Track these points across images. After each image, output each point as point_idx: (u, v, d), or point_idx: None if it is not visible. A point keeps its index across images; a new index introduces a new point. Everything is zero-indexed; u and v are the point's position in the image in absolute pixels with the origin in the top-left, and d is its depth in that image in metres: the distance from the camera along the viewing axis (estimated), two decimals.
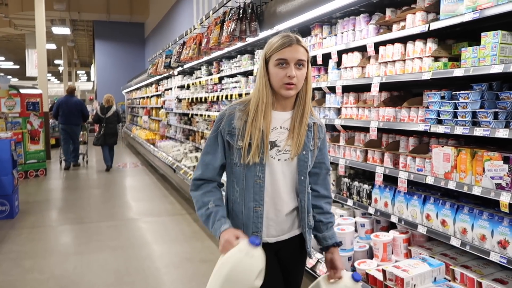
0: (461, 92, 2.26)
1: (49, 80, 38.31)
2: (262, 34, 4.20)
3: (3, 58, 31.02)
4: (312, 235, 1.98)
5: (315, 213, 1.96)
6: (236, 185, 1.83)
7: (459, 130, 2.24)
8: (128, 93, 18.36)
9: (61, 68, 28.81)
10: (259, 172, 1.77)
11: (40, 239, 5.04)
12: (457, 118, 2.28)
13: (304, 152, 1.81)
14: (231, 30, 4.19)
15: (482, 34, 2.15)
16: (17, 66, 34.10)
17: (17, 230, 5.37)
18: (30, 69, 19.98)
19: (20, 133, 8.74)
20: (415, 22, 2.57)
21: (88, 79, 41.31)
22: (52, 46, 21.67)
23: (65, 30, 18.01)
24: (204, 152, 1.88)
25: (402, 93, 3.08)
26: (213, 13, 5.36)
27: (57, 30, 17.75)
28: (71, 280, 3.85)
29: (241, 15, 4.21)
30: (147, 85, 13.08)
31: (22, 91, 9.02)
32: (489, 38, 2.11)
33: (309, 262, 2.06)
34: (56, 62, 29.99)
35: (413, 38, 2.64)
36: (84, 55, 32.51)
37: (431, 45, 2.54)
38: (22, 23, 18.50)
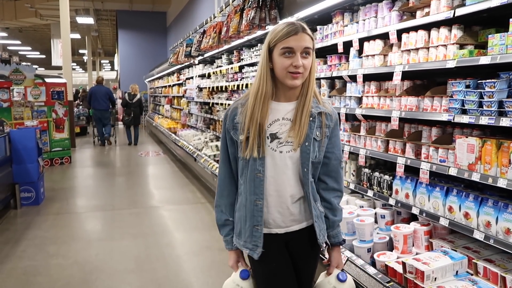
0: (487, 80, 2.18)
1: (74, 69, 39.00)
2: (282, 22, 4.13)
3: (29, 48, 31.67)
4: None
5: (323, 206, 1.92)
6: (240, 178, 1.85)
7: (484, 120, 2.16)
8: (150, 82, 18.52)
9: (85, 58, 29.24)
10: (259, 166, 1.76)
11: (64, 225, 5.16)
12: (482, 107, 2.20)
13: (306, 144, 1.77)
14: (251, 18, 4.15)
15: (511, 20, 2.05)
16: (43, 56, 34.80)
17: (42, 216, 5.51)
18: (56, 58, 20.32)
19: (45, 121, 8.94)
20: (439, 8, 2.48)
21: (112, 69, 41.84)
22: (77, 36, 21.96)
23: (89, 20, 18.20)
24: (220, 162, 1.95)
25: (425, 82, 3.00)
26: (233, 1, 5.32)
27: (81, 20, 17.96)
28: (94, 265, 3.94)
29: (260, 3, 4.16)
30: (168, 74, 13.15)
31: (47, 80, 9.19)
32: None
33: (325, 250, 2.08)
34: (80, 51, 30.45)
35: (437, 25, 2.56)
36: (107, 44, 32.91)
37: (456, 32, 2.45)
38: (47, 13, 18.81)
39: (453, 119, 2.35)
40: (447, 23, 2.49)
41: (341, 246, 2.01)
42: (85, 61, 31.36)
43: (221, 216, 1.93)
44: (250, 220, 1.81)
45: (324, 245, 1.94)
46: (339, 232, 1.96)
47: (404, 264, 2.33)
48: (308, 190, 1.81)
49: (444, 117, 2.42)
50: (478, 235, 2.24)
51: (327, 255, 2.01)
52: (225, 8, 5.72)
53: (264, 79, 1.74)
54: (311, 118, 1.78)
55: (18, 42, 27.84)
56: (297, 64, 1.67)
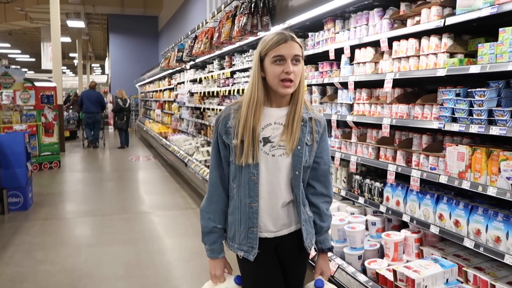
0: (477, 89, 2.20)
1: (64, 73, 38.74)
2: (273, 29, 4.15)
3: (19, 51, 31.39)
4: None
5: (311, 211, 1.94)
6: (232, 182, 1.86)
7: (474, 129, 2.18)
8: (141, 86, 18.44)
9: (76, 61, 29.07)
10: (253, 169, 1.78)
11: (53, 231, 5.09)
12: (472, 116, 2.21)
13: (299, 147, 1.81)
14: (243, 24, 4.15)
15: (500, 29, 2.08)
16: (33, 59, 34.50)
17: (30, 221, 5.43)
18: (46, 62, 20.16)
19: (34, 125, 8.84)
20: (430, 17, 2.51)
21: (103, 72, 41.62)
22: (67, 39, 21.86)
23: (80, 24, 18.11)
24: (211, 166, 1.92)
25: (416, 89, 3.01)
26: (225, 7, 5.32)
27: (72, 23, 17.86)
28: (83, 272, 3.89)
29: (252, 10, 4.17)
30: (160, 79, 13.11)
31: (37, 84, 9.11)
32: (507, 34, 2.04)
33: (311, 254, 2.09)
34: (71, 55, 30.27)
35: (428, 33, 2.58)
36: (98, 48, 32.74)
37: (447, 41, 2.47)
38: (37, 16, 18.65)
39: (444, 127, 2.37)
40: (438, 31, 2.51)
41: (330, 253, 2.02)
42: (75, 64, 31.19)
43: (208, 223, 1.90)
44: (245, 223, 1.82)
45: (313, 250, 1.95)
46: (327, 239, 1.97)
47: (395, 272, 2.33)
48: (298, 193, 1.84)
49: (435, 125, 2.44)
50: (468, 243, 2.25)
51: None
52: (217, 14, 5.72)
53: (256, 88, 1.78)
54: (302, 123, 1.82)
55: (8, 45, 27.59)
56: (288, 70, 1.71)
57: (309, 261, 2.09)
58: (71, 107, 17.13)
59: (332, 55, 3.43)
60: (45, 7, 14.21)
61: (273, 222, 1.84)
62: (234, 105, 1.86)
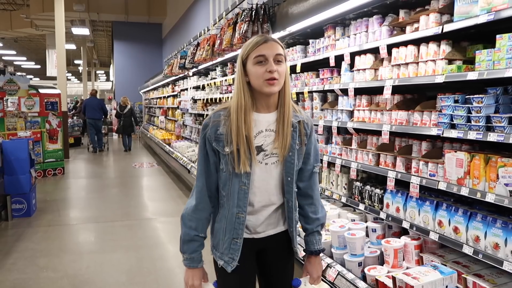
0: (475, 96, 2.20)
1: (69, 79, 38.97)
2: (274, 36, 4.17)
3: (24, 58, 31.65)
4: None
5: (298, 212, 1.98)
6: (222, 190, 1.83)
7: (472, 135, 2.18)
8: (145, 93, 18.53)
9: (80, 68, 29.25)
10: (245, 178, 1.76)
11: (56, 237, 5.11)
12: (470, 122, 2.22)
13: (290, 154, 1.80)
14: (243, 31, 4.18)
15: (497, 36, 2.08)
16: (38, 66, 34.77)
17: (34, 228, 5.46)
18: (50, 69, 20.31)
19: (39, 132, 8.90)
20: (428, 24, 2.52)
21: (107, 79, 41.84)
22: (72, 46, 21.98)
23: (85, 31, 18.24)
24: (197, 173, 1.88)
25: (415, 96, 3.02)
26: (226, 15, 5.36)
27: (77, 30, 17.99)
28: (84, 278, 3.90)
29: (253, 17, 4.20)
30: (163, 86, 13.17)
31: (41, 91, 9.18)
32: (504, 41, 2.04)
33: (301, 253, 2.11)
34: (76, 62, 30.46)
35: (426, 40, 2.59)
36: (103, 55, 32.97)
37: (445, 48, 2.48)
38: (43, 23, 18.83)
39: (442, 134, 2.37)
40: (436, 38, 2.52)
41: (330, 260, 2.02)
42: (80, 71, 31.38)
43: (190, 231, 1.85)
44: (229, 233, 1.81)
45: (301, 253, 1.96)
46: (312, 241, 1.98)
47: (394, 278, 2.32)
48: (291, 198, 1.85)
49: (434, 131, 2.44)
50: (467, 250, 2.24)
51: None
52: (219, 21, 5.76)
53: (241, 92, 1.76)
54: (292, 128, 1.81)
55: (13, 52, 27.83)
56: (271, 69, 1.70)
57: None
58: (77, 114, 17.26)
59: (332, 62, 3.44)
60: (50, 14, 14.35)
61: (262, 226, 1.86)
62: (223, 111, 1.81)
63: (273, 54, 1.72)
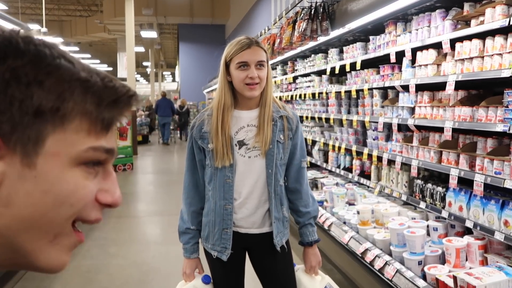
0: None
1: (137, 80, 40.88)
2: (333, 33, 4.17)
3: (98, 61, 33.72)
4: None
5: (290, 207, 2.03)
6: (208, 185, 1.93)
7: None
8: (208, 92, 19.05)
9: (148, 70, 30.63)
10: (228, 172, 1.86)
11: (125, 228, 5.46)
12: None
13: (271, 147, 1.87)
14: (302, 29, 4.22)
15: None
16: (110, 68, 36.86)
17: (105, 219, 5.84)
18: (121, 70, 21.41)
19: None
20: (494, 17, 2.42)
21: (173, 80, 43.44)
22: (141, 49, 23.08)
23: (152, 34, 19.07)
24: (185, 170, 2.04)
25: (481, 91, 2.91)
26: (286, 14, 5.42)
27: (145, 34, 18.85)
28: (150, 267, 4.14)
29: (312, 15, 4.22)
30: None
31: None
32: None
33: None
34: (144, 64, 31.94)
35: (492, 33, 2.49)
36: (169, 56, 34.29)
37: None
38: (114, 28, 19.98)
39: (509, 130, 2.28)
40: (503, 31, 2.42)
41: (388, 257, 2.03)
42: (148, 73, 32.85)
43: (182, 224, 2.04)
44: (219, 224, 1.90)
45: (279, 248, 1.96)
46: (305, 233, 2.03)
47: (455, 278, 2.27)
48: (271, 191, 1.90)
49: (499, 127, 2.35)
50: None
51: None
52: (279, 20, 5.83)
53: (223, 91, 1.86)
54: (273, 122, 1.88)
55: (88, 55, 29.73)
56: (252, 75, 1.78)
57: None
58: (149, 113, 18.18)
59: (393, 58, 3.39)
60: (121, 19, 15.20)
61: (246, 219, 1.92)
62: (207, 110, 1.94)
63: (255, 61, 1.80)
